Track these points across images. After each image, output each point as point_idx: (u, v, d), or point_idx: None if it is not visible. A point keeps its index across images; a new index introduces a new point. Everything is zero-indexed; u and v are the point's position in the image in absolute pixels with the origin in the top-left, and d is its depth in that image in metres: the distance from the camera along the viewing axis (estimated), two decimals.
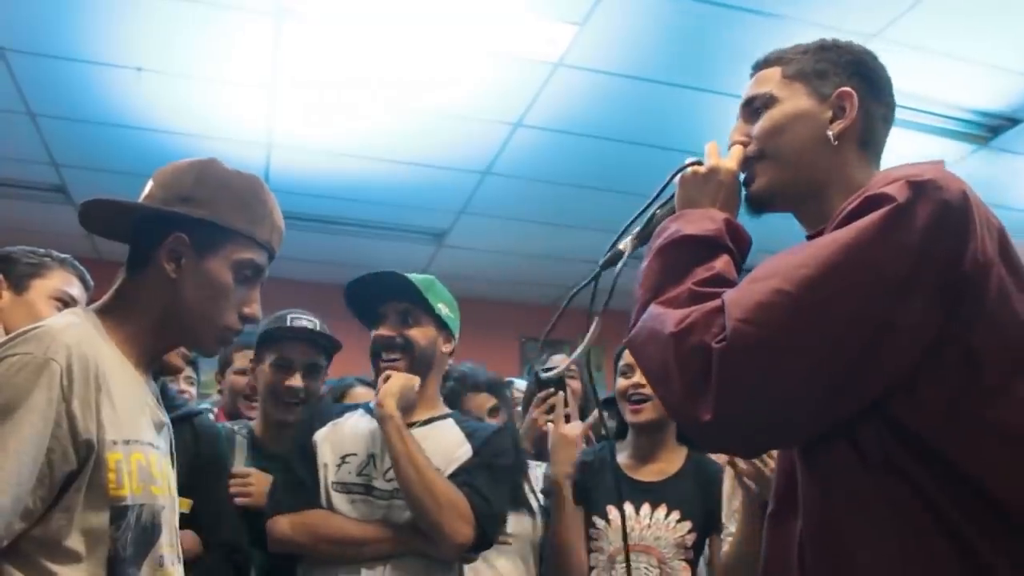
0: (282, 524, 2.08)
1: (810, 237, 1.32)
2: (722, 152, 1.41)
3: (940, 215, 1.05)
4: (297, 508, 2.08)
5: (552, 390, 2.66)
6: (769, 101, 1.35)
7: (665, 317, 1.13)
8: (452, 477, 2.07)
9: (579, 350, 1.46)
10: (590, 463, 2.52)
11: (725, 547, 2.17)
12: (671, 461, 2.48)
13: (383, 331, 2.20)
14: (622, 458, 2.52)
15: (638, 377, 2.44)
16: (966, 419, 1.04)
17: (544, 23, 3.48)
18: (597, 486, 2.46)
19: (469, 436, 2.17)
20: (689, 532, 2.36)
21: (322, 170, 4.90)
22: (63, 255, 2.02)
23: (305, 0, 3.35)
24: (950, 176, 1.10)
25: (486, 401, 2.72)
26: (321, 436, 2.17)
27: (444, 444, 2.13)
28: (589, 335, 1.43)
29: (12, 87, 3.97)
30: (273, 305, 2.29)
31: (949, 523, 1.03)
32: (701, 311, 1.09)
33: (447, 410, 2.30)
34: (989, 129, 4.25)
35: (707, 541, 2.39)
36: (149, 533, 1.36)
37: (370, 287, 2.24)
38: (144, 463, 1.36)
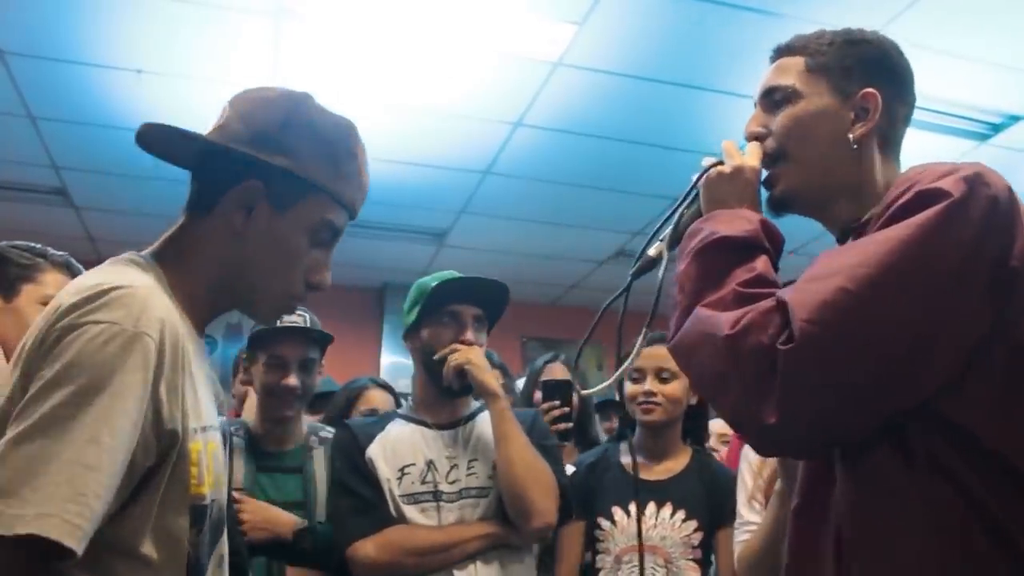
0: (366, 548, 2.04)
1: (841, 239, 1.32)
2: (739, 146, 1.39)
3: (991, 210, 1.06)
4: (375, 529, 2.06)
5: (557, 401, 2.67)
6: (791, 96, 1.33)
7: (716, 319, 1.11)
8: None
9: (622, 368, 1.45)
10: (593, 464, 2.53)
11: (745, 536, 2.17)
12: (677, 460, 2.49)
13: (469, 335, 2.17)
14: (626, 458, 2.52)
15: (649, 384, 2.44)
16: (1013, 416, 1.05)
17: (544, 23, 3.48)
18: (601, 487, 2.46)
19: None
20: (695, 531, 2.36)
21: None
22: (60, 253, 1.91)
23: (305, 1, 3.35)
24: (993, 172, 1.10)
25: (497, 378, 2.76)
26: (374, 452, 2.15)
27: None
28: (634, 353, 1.41)
29: (12, 90, 3.97)
30: None
31: (993, 521, 1.03)
32: (756, 311, 1.08)
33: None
34: (990, 126, 4.25)
35: (713, 540, 2.39)
36: (217, 531, 1.23)
37: (462, 289, 2.20)
38: (216, 451, 1.21)
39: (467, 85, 3.96)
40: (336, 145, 1.27)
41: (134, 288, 1.07)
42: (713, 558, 2.40)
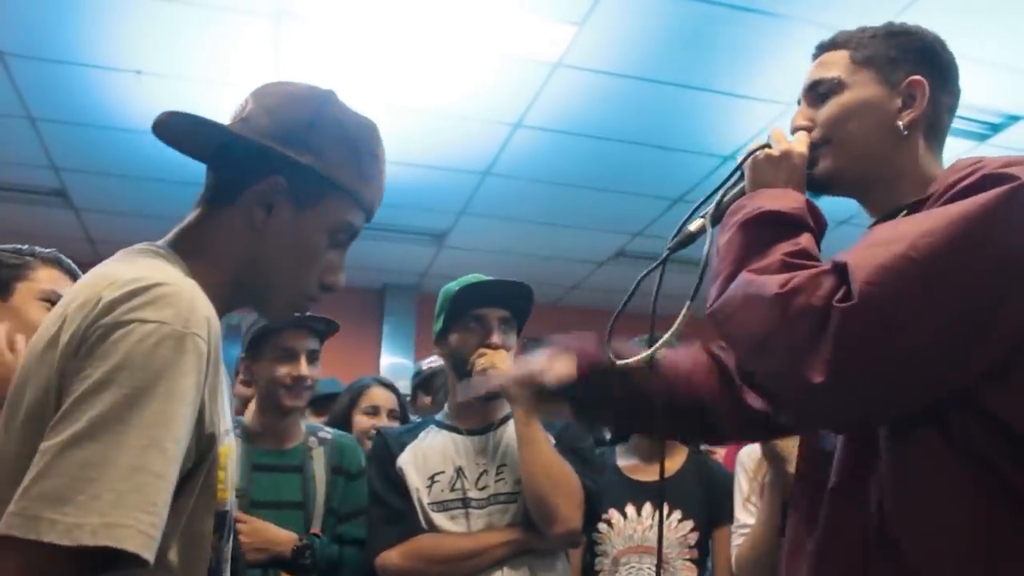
0: (392, 557, 2.06)
1: (876, 224, 1.32)
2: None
3: None
4: (402, 538, 2.07)
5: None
6: (837, 87, 1.32)
7: (764, 281, 1.11)
8: None
9: (661, 340, 1.37)
10: None
11: (740, 539, 2.17)
12: (672, 460, 2.49)
13: (495, 339, 2.15)
14: (622, 460, 2.52)
15: None
16: None
17: (544, 23, 3.48)
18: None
19: (544, 427, 2.17)
20: (691, 531, 2.36)
21: None
22: (48, 251, 1.85)
23: (305, 2, 3.35)
24: None
25: None
26: (405, 461, 2.16)
27: None
28: (676, 325, 1.35)
29: (12, 91, 3.98)
30: None
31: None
32: (805, 275, 1.08)
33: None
34: (989, 126, 4.25)
35: (710, 539, 2.39)
36: (231, 536, 1.21)
37: (485, 292, 2.22)
38: (232, 454, 1.17)
39: (467, 86, 3.97)
40: (360, 146, 1.27)
41: (179, 285, 1.02)
42: (709, 558, 2.40)
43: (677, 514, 2.38)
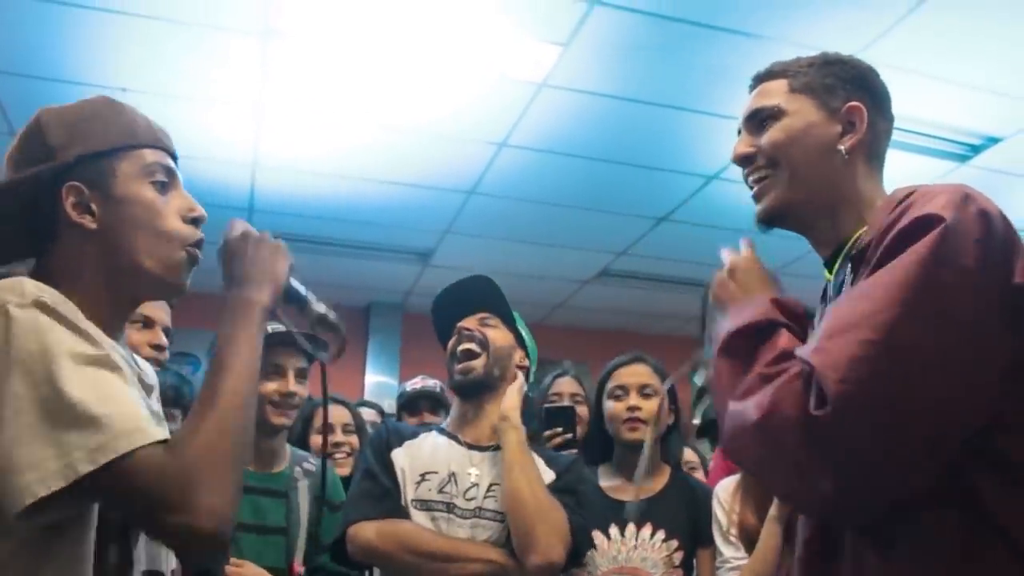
0: (367, 531, 1.99)
1: (830, 258, 1.33)
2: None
3: (988, 230, 1.07)
4: (382, 516, 2.02)
5: (559, 429, 2.65)
6: (777, 113, 1.34)
7: (745, 409, 1.10)
8: None
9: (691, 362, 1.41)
10: None
11: (730, 574, 2.17)
12: (656, 480, 2.48)
13: (463, 324, 2.20)
14: (604, 481, 2.52)
15: (632, 399, 2.45)
16: None
17: (529, 44, 3.50)
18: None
19: (549, 462, 2.15)
20: (676, 550, 2.36)
21: (307, 190, 4.89)
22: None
23: (291, 21, 3.35)
24: (977, 191, 1.12)
25: None
26: (399, 453, 2.13)
27: None
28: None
29: None
30: None
31: None
32: (778, 387, 1.07)
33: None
34: (969, 147, 4.30)
35: (695, 559, 2.39)
36: None
37: (448, 301, 2.27)
38: None
39: (453, 105, 3.98)
40: (98, 114, 1.29)
41: None
42: None
43: (661, 533, 2.37)
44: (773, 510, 2.03)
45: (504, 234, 5.54)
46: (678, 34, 3.42)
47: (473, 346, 2.16)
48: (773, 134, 1.33)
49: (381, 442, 2.17)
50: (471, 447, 2.15)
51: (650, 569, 2.33)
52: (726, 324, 1.25)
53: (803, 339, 1.19)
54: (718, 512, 2.26)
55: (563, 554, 1.95)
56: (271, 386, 2.27)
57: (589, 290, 6.49)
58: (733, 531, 2.20)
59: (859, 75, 1.36)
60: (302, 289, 1.39)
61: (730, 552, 2.20)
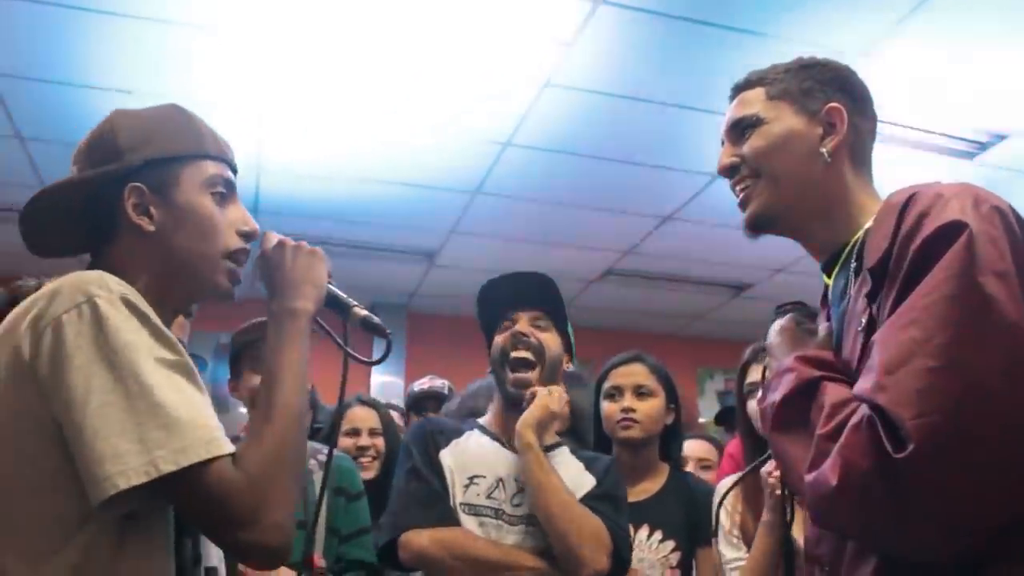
0: (421, 539, 1.96)
1: (825, 267, 1.33)
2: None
3: (1007, 227, 1.07)
4: (434, 523, 1.99)
5: None
6: (756, 122, 1.35)
7: (819, 477, 1.06)
8: None
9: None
10: None
11: (732, 575, 2.17)
12: (654, 480, 2.48)
13: (520, 328, 2.10)
14: None
15: (627, 401, 2.45)
16: None
17: (533, 43, 3.50)
18: None
19: (588, 466, 2.12)
20: (673, 551, 2.35)
21: (311, 192, 4.89)
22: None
23: (295, 23, 3.35)
24: (980, 188, 1.12)
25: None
26: (447, 454, 2.09)
27: (567, 474, 2.05)
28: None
29: (1, 110, 3.97)
30: None
31: None
32: (844, 443, 1.03)
33: (559, 437, 2.22)
34: (977, 145, 4.28)
35: (693, 559, 2.38)
36: None
37: (503, 291, 2.18)
38: None
39: (456, 105, 3.97)
40: (169, 121, 1.34)
41: None
42: None
43: (659, 534, 2.37)
44: (766, 515, 2.03)
45: (509, 234, 5.53)
46: (683, 33, 3.41)
47: (529, 355, 2.10)
48: (754, 143, 1.34)
49: (427, 439, 2.12)
50: (516, 452, 2.09)
51: (647, 570, 2.33)
52: (766, 401, 1.24)
53: (843, 377, 1.17)
54: (721, 514, 2.26)
55: (608, 563, 1.94)
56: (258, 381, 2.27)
57: (595, 289, 6.48)
58: (736, 532, 2.20)
59: (836, 76, 1.36)
60: (342, 294, 1.41)
61: (732, 553, 2.20)
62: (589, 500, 2.02)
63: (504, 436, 2.13)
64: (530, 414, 2.03)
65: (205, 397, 1.14)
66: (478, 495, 2.04)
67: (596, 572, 1.92)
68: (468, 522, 2.01)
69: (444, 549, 1.95)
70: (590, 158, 4.50)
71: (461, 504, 2.03)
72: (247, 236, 1.34)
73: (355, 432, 3.04)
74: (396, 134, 4.24)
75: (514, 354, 2.09)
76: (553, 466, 2.00)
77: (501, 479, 2.06)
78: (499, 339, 2.13)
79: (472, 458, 2.09)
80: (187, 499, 1.09)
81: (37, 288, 1.78)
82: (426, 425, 2.23)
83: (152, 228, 1.27)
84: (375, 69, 3.67)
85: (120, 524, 1.11)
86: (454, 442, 2.12)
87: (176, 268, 1.29)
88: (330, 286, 1.37)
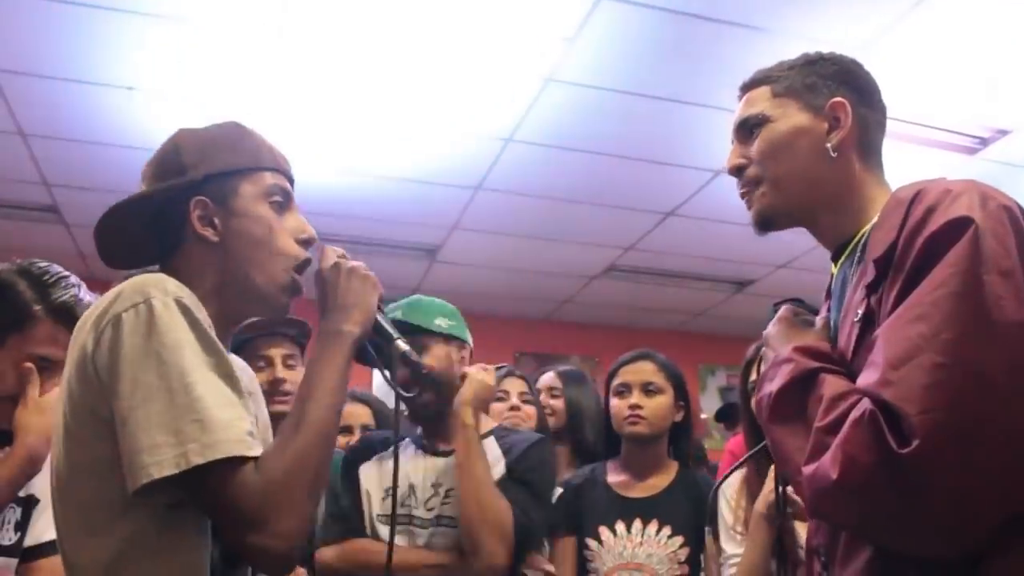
0: (327, 554, 2.13)
1: (835, 258, 1.34)
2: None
3: (1013, 224, 1.07)
4: (341, 537, 2.14)
5: None
6: (763, 121, 1.35)
7: (818, 470, 1.06)
8: None
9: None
10: (580, 485, 2.53)
11: (731, 570, 2.17)
12: (663, 476, 2.49)
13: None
14: (612, 476, 2.52)
15: (635, 397, 2.46)
16: None
17: (535, 38, 3.50)
18: (588, 507, 2.46)
19: (506, 452, 2.17)
20: (681, 547, 2.36)
21: (313, 187, 4.89)
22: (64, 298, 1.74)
23: (297, 19, 3.35)
24: (987, 185, 1.12)
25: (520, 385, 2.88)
26: (366, 468, 2.22)
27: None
28: None
29: (3, 106, 3.97)
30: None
31: None
32: (845, 437, 1.03)
33: (491, 425, 2.29)
34: (979, 140, 4.28)
35: (701, 555, 2.39)
36: None
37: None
38: None
39: (458, 101, 3.97)
40: (229, 137, 1.42)
41: None
42: (700, 574, 2.40)
43: (667, 530, 2.38)
44: (760, 506, 2.03)
45: (511, 229, 5.53)
46: (685, 28, 3.41)
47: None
48: (760, 143, 1.35)
49: (354, 456, 2.26)
50: (437, 454, 2.18)
51: (655, 566, 2.34)
52: (763, 391, 1.24)
53: (841, 369, 1.17)
54: (723, 507, 2.26)
55: (505, 557, 1.99)
56: (260, 377, 2.29)
57: (597, 285, 6.48)
58: (739, 527, 2.20)
59: (841, 71, 1.36)
60: (388, 325, 1.43)
61: (733, 549, 2.20)
62: (502, 482, 2.08)
63: (430, 440, 2.21)
64: (466, 390, 2.10)
65: (244, 401, 1.19)
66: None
67: (491, 566, 1.98)
68: (384, 531, 2.10)
69: (349, 560, 2.11)
70: (592, 154, 4.49)
71: (378, 516, 2.15)
72: (305, 243, 1.40)
73: (348, 430, 3.03)
74: (398, 130, 4.24)
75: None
76: (482, 449, 2.06)
77: (413, 485, 2.15)
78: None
79: (389, 470, 2.12)
80: (206, 495, 1.14)
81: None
82: (359, 443, 2.36)
83: (216, 239, 1.35)
84: (377, 65, 3.67)
85: (163, 513, 1.17)
86: (377, 457, 2.23)
87: (238, 276, 1.35)
88: (380, 316, 1.40)
